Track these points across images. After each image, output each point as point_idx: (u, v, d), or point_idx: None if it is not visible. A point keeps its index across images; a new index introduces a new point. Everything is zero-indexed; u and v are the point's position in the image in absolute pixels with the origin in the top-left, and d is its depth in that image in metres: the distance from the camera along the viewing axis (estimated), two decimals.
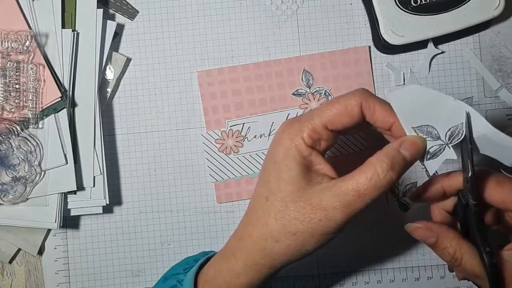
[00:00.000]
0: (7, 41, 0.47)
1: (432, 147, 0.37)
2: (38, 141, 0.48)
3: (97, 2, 0.49)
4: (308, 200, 0.36)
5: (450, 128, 0.36)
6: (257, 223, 0.38)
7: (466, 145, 0.36)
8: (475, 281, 0.39)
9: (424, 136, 0.37)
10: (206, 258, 0.44)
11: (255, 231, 0.38)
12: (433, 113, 0.36)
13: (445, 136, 0.37)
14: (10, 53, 0.47)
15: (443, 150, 0.37)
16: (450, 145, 0.37)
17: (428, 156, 0.38)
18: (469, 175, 0.37)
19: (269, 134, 0.52)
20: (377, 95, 0.39)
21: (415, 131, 0.37)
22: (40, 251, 0.52)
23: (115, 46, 0.52)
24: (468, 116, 0.36)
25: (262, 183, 0.39)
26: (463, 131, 0.36)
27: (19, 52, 0.47)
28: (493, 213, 0.41)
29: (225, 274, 0.40)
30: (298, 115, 0.38)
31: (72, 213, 0.50)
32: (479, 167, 0.39)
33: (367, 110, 0.37)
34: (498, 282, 0.36)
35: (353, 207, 0.35)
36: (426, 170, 0.38)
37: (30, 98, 0.48)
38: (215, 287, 0.40)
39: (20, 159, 0.48)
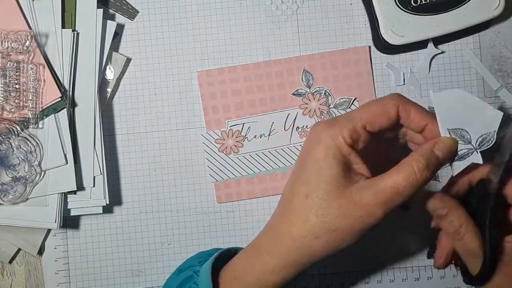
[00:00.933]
0: (7, 41, 0.47)
1: (461, 150, 0.40)
2: (38, 141, 0.48)
3: (97, 2, 0.49)
4: (349, 197, 0.38)
5: (483, 135, 0.39)
6: (297, 221, 0.39)
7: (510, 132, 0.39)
8: (467, 258, 0.41)
9: (457, 139, 0.39)
10: (222, 251, 0.44)
11: (295, 229, 0.39)
12: (470, 119, 0.39)
13: (476, 141, 0.39)
14: (10, 53, 0.47)
15: (471, 154, 0.40)
16: (478, 150, 0.39)
17: (456, 157, 0.40)
18: (506, 159, 0.39)
19: (269, 134, 0.52)
20: (410, 99, 0.41)
21: (449, 133, 0.39)
22: (40, 251, 0.52)
23: (115, 46, 0.52)
24: None
25: (301, 181, 0.39)
26: (494, 138, 0.39)
27: (19, 52, 0.47)
28: None
29: (257, 271, 0.40)
30: (333, 118, 0.41)
31: (72, 213, 0.50)
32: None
33: (403, 112, 0.39)
34: (493, 265, 0.39)
35: (391, 203, 0.37)
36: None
37: (30, 98, 0.48)
38: (246, 283, 0.41)
39: (20, 159, 0.48)
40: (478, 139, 0.39)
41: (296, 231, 0.39)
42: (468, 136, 0.39)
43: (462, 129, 0.39)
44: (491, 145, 0.39)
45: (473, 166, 0.41)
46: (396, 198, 0.37)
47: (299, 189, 0.39)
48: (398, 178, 0.37)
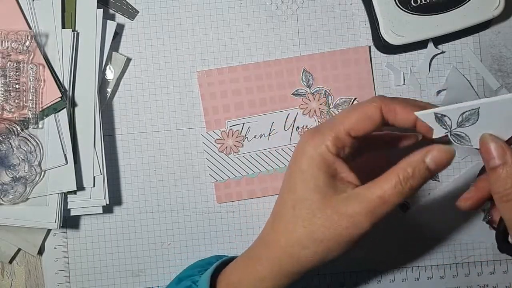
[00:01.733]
0: (7, 41, 0.47)
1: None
2: (38, 141, 0.48)
3: (97, 2, 0.49)
4: (334, 207, 0.37)
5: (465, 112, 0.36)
6: (284, 230, 0.39)
7: None
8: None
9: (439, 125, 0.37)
10: (222, 261, 0.44)
11: (283, 238, 0.39)
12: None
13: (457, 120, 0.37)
14: (10, 53, 0.47)
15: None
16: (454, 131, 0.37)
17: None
18: None
19: (269, 134, 0.52)
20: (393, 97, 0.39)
21: (436, 117, 0.37)
22: (40, 251, 0.52)
23: (115, 46, 0.52)
24: None
25: (288, 191, 0.39)
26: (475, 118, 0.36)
27: (19, 52, 0.47)
28: None
29: (250, 279, 0.40)
30: (317, 124, 0.39)
31: (72, 213, 0.50)
32: None
33: (388, 113, 0.38)
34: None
35: (378, 213, 0.36)
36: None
37: (30, 98, 0.48)
38: None
39: (20, 159, 0.48)
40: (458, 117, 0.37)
41: (284, 241, 0.39)
42: (449, 122, 0.37)
43: (444, 115, 0.37)
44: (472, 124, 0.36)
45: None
46: (382, 208, 0.36)
47: (287, 199, 0.39)
48: (385, 188, 0.36)
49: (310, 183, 0.38)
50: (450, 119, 0.37)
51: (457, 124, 0.37)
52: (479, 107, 0.36)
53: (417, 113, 0.37)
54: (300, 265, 0.39)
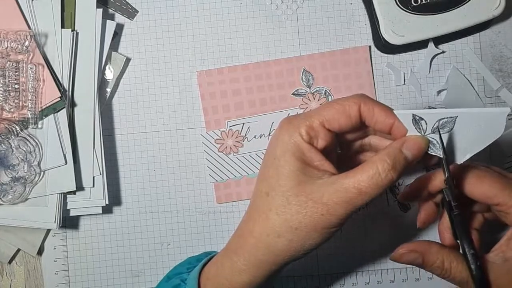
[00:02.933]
0: (7, 41, 0.47)
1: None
2: (37, 141, 0.48)
3: (97, 2, 0.49)
4: (309, 194, 0.36)
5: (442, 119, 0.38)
6: (258, 219, 0.38)
7: (443, 153, 0.37)
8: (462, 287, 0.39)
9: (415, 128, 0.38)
10: (209, 257, 0.44)
11: (257, 227, 0.38)
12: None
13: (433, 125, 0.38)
14: (10, 53, 0.47)
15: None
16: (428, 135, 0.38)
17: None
18: (445, 177, 0.38)
19: (269, 134, 0.52)
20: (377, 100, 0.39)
21: (413, 119, 0.38)
22: (40, 252, 0.52)
23: (114, 46, 0.52)
24: (438, 126, 0.38)
25: (262, 179, 0.39)
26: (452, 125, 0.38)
27: (19, 52, 0.47)
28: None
29: (226, 271, 0.40)
30: (294, 115, 0.39)
31: (72, 213, 0.50)
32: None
33: (366, 112, 0.38)
34: (484, 284, 0.37)
35: (354, 203, 0.36)
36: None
37: (30, 98, 0.48)
38: (217, 284, 0.40)
39: (20, 159, 0.48)
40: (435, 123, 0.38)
41: (258, 230, 0.38)
42: (425, 126, 0.38)
43: (422, 118, 0.38)
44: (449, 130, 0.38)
45: (427, 176, 0.40)
46: (358, 199, 0.36)
47: (260, 186, 0.39)
48: (362, 178, 0.35)
49: (283, 169, 0.37)
50: (426, 123, 0.38)
51: (431, 129, 0.38)
52: (457, 116, 0.37)
53: (396, 112, 0.38)
54: (276, 255, 0.38)
